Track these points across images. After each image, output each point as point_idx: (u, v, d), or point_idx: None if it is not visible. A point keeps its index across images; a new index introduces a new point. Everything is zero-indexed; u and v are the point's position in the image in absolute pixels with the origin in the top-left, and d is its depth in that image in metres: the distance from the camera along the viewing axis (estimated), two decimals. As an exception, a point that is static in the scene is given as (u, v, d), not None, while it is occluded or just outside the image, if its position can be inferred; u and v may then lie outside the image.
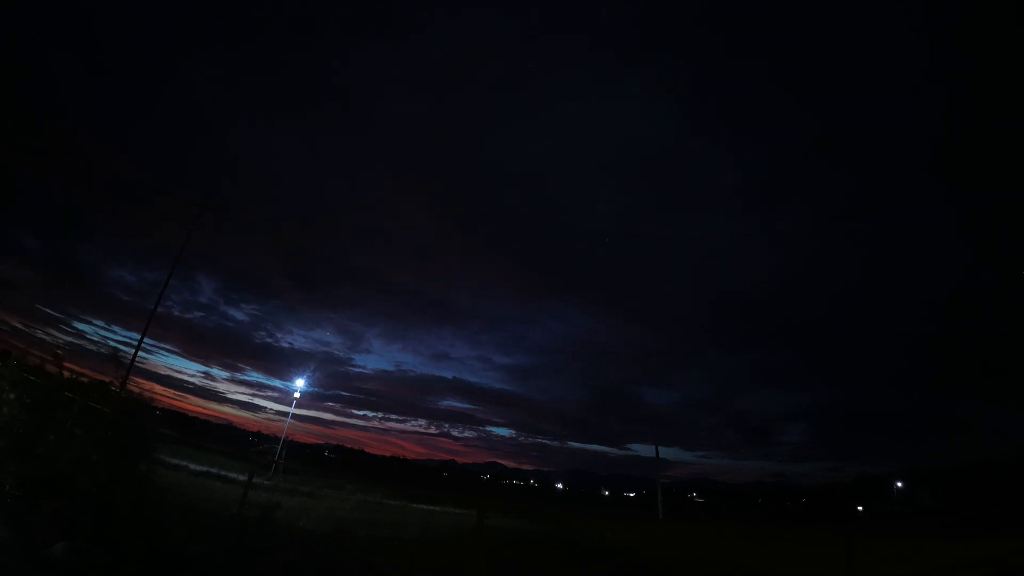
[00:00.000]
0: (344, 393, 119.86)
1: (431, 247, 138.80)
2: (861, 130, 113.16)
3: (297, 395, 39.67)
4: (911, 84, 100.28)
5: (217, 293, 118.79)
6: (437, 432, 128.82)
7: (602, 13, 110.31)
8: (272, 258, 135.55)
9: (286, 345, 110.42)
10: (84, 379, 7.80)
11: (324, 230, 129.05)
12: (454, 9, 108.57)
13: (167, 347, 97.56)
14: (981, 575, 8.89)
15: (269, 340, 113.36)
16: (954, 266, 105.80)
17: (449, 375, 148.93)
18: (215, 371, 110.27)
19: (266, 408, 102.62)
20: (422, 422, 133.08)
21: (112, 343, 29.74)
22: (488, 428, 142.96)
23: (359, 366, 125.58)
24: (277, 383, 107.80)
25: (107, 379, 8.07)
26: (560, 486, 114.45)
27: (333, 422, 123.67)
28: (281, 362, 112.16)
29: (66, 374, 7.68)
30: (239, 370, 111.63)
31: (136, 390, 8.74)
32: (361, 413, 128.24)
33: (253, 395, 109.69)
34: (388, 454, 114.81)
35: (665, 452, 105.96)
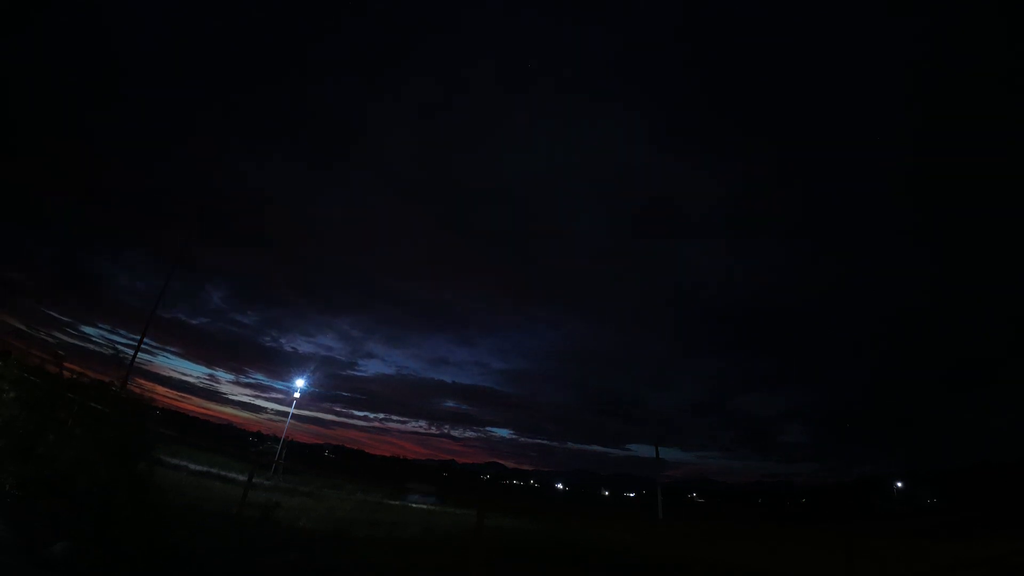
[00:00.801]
0: (345, 393, 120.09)
1: (431, 258, 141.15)
2: (827, 163, 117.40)
3: (297, 395, 39.70)
4: (881, 119, 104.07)
5: (224, 301, 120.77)
6: (437, 433, 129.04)
7: (588, 55, 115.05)
8: (278, 268, 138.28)
9: (289, 349, 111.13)
10: (85, 379, 7.80)
11: (328, 242, 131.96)
12: (439, 47, 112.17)
13: (172, 349, 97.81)
14: (981, 575, 8.89)
15: (273, 344, 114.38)
16: (954, 265, 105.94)
17: (448, 379, 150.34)
18: (220, 373, 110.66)
19: (267, 409, 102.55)
20: (422, 423, 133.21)
21: (120, 346, 29.69)
22: (488, 429, 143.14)
23: (361, 370, 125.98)
24: (279, 385, 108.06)
25: (106, 379, 8.07)
26: (560, 486, 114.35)
27: (333, 422, 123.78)
28: (284, 365, 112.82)
29: (66, 374, 7.68)
30: (243, 372, 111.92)
31: (136, 390, 8.75)
32: (362, 414, 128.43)
33: (256, 396, 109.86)
34: (388, 454, 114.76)
35: (665, 452, 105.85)
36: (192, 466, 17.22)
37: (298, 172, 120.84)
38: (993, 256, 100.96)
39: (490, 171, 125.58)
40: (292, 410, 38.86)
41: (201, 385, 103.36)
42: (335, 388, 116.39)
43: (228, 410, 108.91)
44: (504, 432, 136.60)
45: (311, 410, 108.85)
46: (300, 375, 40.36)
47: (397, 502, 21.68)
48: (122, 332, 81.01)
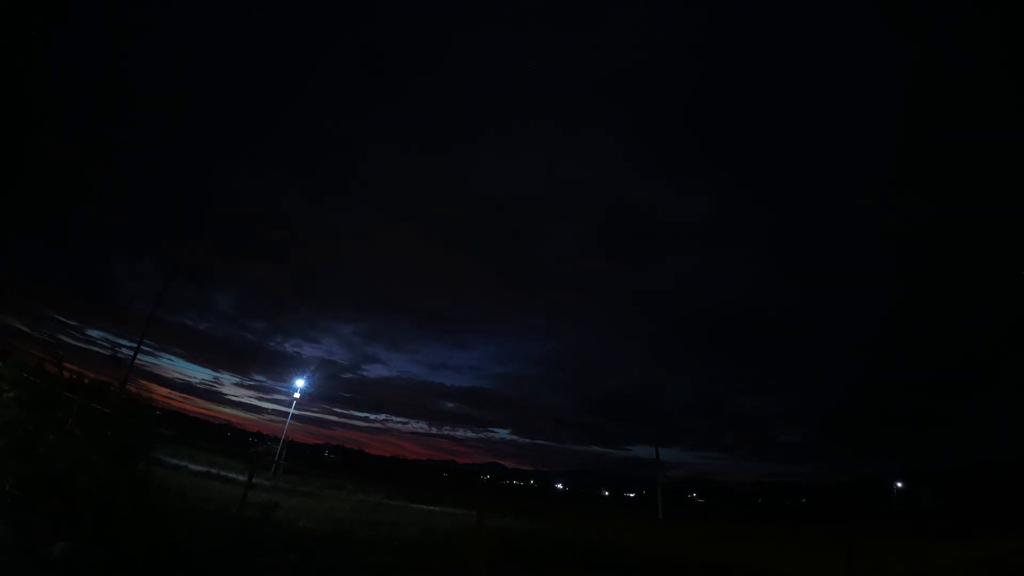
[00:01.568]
0: (346, 395, 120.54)
1: (430, 270, 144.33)
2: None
3: (297, 395, 39.64)
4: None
5: (233, 307, 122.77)
6: (437, 433, 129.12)
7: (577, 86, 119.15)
8: (285, 278, 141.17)
9: (293, 352, 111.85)
10: (85, 380, 7.80)
11: (333, 255, 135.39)
12: (434, 82, 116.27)
13: (177, 351, 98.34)
14: (981, 575, 8.89)
15: (278, 348, 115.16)
16: (953, 266, 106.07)
17: (448, 382, 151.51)
18: (225, 376, 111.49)
19: (267, 409, 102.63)
20: (422, 423, 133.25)
21: (125, 350, 29.74)
22: (488, 429, 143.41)
23: (363, 373, 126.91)
24: (282, 387, 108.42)
25: (105, 379, 8.07)
26: (560, 486, 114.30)
27: (333, 423, 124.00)
28: (287, 368, 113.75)
29: (66, 374, 7.69)
30: (247, 375, 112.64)
31: (136, 390, 8.74)
32: (362, 415, 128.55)
33: (260, 398, 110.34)
34: (388, 454, 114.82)
35: (665, 452, 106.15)
36: (192, 466, 17.21)
37: (307, 191, 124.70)
38: (992, 255, 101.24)
39: (485, 189, 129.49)
40: (292, 410, 38.82)
41: (203, 386, 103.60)
42: (337, 390, 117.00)
43: (228, 411, 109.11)
44: (504, 432, 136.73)
45: (312, 411, 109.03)
46: (303, 378, 40.09)
47: (397, 502, 21.67)
48: (130, 336, 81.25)
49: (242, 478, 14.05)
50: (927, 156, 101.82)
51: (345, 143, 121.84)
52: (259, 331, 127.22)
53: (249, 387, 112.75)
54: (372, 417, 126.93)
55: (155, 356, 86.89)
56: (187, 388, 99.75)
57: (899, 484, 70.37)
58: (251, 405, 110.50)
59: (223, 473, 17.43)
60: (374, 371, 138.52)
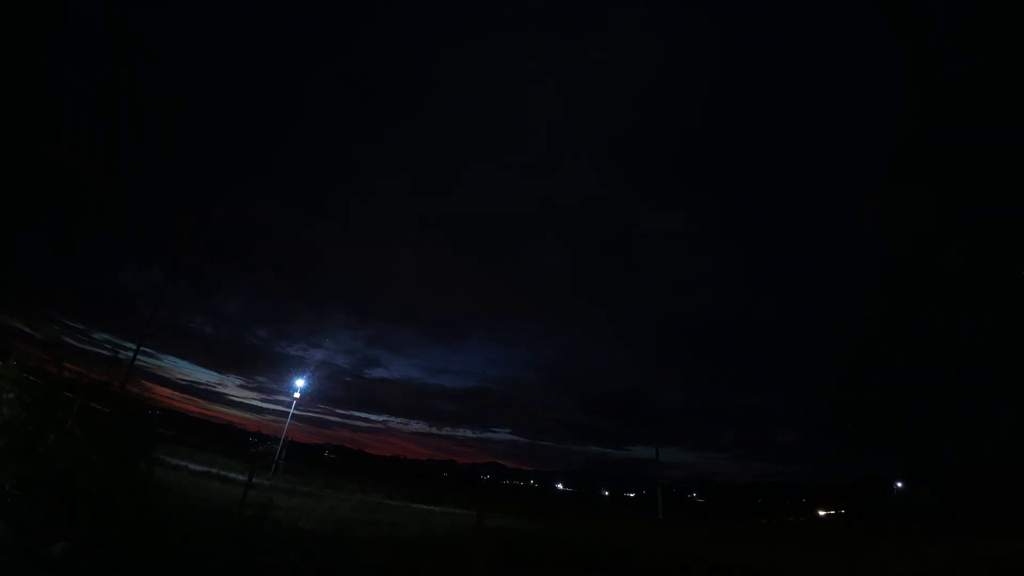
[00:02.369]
0: (348, 396, 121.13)
1: (431, 277, 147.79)
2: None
3: (297, 395, 39.69)
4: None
5: (239, 312, 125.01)
6: (437, 433, 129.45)
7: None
8: (288, 286, 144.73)
9: (296, 355, 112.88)
10: (84, 379, 7.81)
11: (338, 264, 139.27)
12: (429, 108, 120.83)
13: (182, 354, 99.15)
14: (981, 575, 8.89)
15: (281, 352, 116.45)
16: (952, 267, 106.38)
17: (448, 384, 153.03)
18: (230, 378, 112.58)
19: (268, 410, 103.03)
20: (423, 423, 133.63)
21: (129, 353, 29.95)
22: (488, 429, 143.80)
23: (364, 375, 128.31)
24: (284, 388, 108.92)
25: (103, 378, 8.08)
26: (560, 486, 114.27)
27: (334, 423, 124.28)
28: (290, 370, 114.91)
29: (66, 374, 7.69)
30: (251, 378, 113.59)
31: (135, 390, 8.74)
32: (363, 415, 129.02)
33: (263, 400, 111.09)
34: (388, 454, 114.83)
35: (665, 452, 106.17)
36: (192, 466, 17.20)
37: (313, 205, 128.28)
38: (991, 255, 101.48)
39: (480, 204, 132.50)
40: (292, 411, 38.85)
41: (204, 387, 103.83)
42: (339, 392, 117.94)
43: (229, 411, 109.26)
44: (504, 432, 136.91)
45: (313, 411, 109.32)
46: (303, 378, 40.31)
47: (397, 502, 21.68)
48: (136, 340, 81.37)
49: (242, 478, 14.05)
50: (927, 156, 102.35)
51: (347, 161, 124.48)
52: (263, 336, 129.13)
53: (252, 388, 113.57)
54: (372, 418, 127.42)
55: (160, 359, 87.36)
56: (191, 389, 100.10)
57: (899, 484, 70.37)
58: (252, 406, 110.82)
59: (223, 473, 17.43)
60: (375, 374, 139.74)
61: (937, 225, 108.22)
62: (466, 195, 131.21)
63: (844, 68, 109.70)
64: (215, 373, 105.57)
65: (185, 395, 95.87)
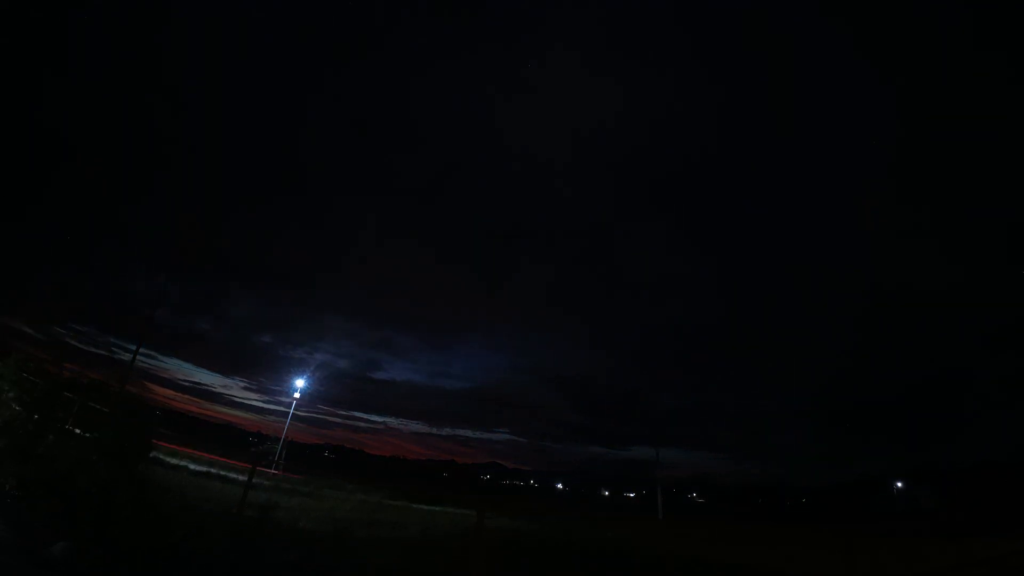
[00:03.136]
0: (348, 397, 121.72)
1: (432, 286, 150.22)
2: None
3: (296, 395, 39.73)
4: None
5: (244, 317, 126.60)
6: (437, 433, 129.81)
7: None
8: (292, 293, 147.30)
9: (299, 358, 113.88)
10: (84, 379, 7.81)
11: (341, 271, 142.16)
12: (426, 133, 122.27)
13: (188, 356, 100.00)
14: (981, 575, 8.89)
15: (284, 355, 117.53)
16: (953, 267, 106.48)
17: (448, 386, 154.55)
18: (235, 380, 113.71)
19: (268, 410, 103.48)
20: (422, 424, 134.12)
21: (133, 354, 30.09)
22: (488, 430, 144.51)
23: (365, 377, 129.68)
24: (285, 389, 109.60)
25: (105, 379, 8.08)
26: (560, 486, 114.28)
27: (334, 423, 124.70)
28: (292, 371, 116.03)
29: (65, 374, 7.69)
30: (254, 379, 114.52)
31: (135, 390, 8.74)
32: (363, 416, 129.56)
33: (266, 400, 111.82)
34: (388, 454, 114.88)
35: (665, 452, 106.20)
36: (192, 466, 17.20)
37: (316, 220, 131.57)
38: (990, 255, 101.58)
39: (479, 214, 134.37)
40: (292, 411, 38.88)
41: (206, 388, 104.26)
42: (341, 394, 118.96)
43: (229, 411, 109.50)
44: (504, 433, 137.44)
45: (314, 412, 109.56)
46: (304, 379, 40.54)
47: (397, 502, 21.67)
48: (140, 344, 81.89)
49: (242, 478, 14.05)
50: (926, 156, 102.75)
51: (346, 179, 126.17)
52: (268, 340, 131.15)
53: (254, 390, 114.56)
54: (373, 419, 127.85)
55: (163, 361, 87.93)
56: (194, 391, 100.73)
57: (899, 484, 70.32)
58: (253, 406, 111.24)
59: (223, 473, 17.43)
60: (376, 376, 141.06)
61: (937, 225, 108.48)
62: (466, 206, 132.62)
63: (844, 68, 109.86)
64: (219, 376, 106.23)
65: (187, 396, 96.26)
